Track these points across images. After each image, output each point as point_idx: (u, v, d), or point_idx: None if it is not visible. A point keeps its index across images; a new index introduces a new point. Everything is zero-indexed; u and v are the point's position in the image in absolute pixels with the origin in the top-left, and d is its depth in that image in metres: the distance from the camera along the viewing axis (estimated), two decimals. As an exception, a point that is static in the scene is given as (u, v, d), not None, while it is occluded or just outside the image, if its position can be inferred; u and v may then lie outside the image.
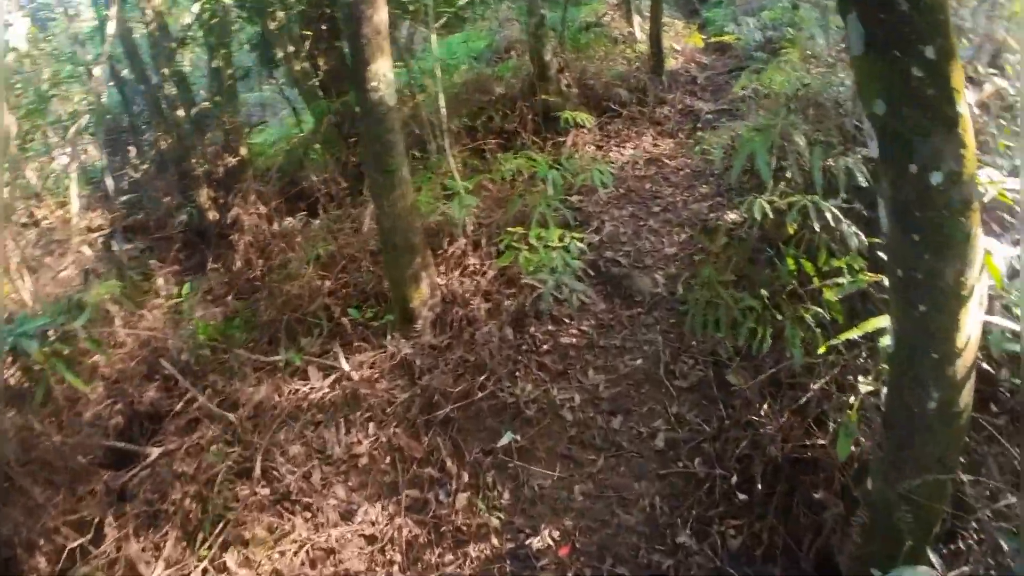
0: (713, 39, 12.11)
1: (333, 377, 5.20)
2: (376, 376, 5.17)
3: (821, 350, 3.68)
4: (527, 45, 8.71)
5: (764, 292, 4.33)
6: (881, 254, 4.54)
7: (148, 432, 5.27)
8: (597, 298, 5.52)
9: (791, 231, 4.37)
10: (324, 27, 8.25)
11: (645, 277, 5.64)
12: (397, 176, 5.06)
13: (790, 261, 4.40)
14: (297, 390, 5.17)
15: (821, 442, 3.68)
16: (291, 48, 7.97)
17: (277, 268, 6.75)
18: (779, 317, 4.26)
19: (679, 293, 5.46)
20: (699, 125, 8.71)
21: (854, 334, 3.17)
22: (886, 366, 2.96)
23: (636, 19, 11.67)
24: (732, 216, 6.15)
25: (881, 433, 2.78)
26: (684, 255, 5.86)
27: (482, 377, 4.77)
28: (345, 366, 5.12)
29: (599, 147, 8.19)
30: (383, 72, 4.84)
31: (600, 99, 8.85)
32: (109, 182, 9.22)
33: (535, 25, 8.33)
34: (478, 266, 5.78)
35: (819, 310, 4.12)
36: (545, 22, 8.39)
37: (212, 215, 8.33)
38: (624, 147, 8.18)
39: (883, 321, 2.95)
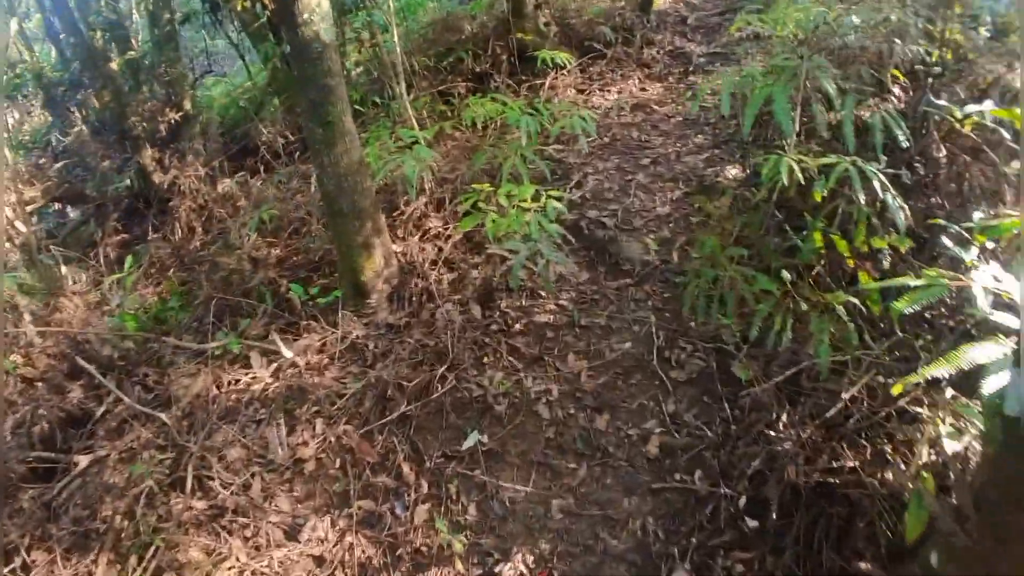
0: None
1: (276, 365, 4.35)
2: (325, 363, 4.32)
3: (896, 390, 2.74)
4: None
5: (785, 274, 3.44)
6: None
7: (79, 436, 4.41)
8: (578, 267, 4.64)
9: (818, 199, 3.49)
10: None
11: (634, 242, 4.76)
12: (338, 128, 4.12)
13: (817, 237, 3.53)
14: (237, 381, 4.32)
15: (852, 464, 2.87)
16: (233, -17, 6.90)
17: (218, 237, 5.84)
18: (803, 306, 3.40)
19: (674, 262, 4.59)
20: (691, 69, 7.73)
21: (940, 369, 2.07)
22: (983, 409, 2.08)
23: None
24: (734, 172, 5.26)
25: (968, 506, 1.95)
26: (679, 216, 4.96)
27: (443, 367, 3.92)
28: (287, 353, 4.26)
29: (580, 91, 7.22)
30: (317, 1, 3.87)
31: (582, 39, 7.82)
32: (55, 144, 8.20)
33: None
34: (440, 229, 4.88)
35: (853, 300, 3.29)
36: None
37: (157, 177, 7.31)
38: (608, 91, 7.21)
39: (990, 350, 1.96)
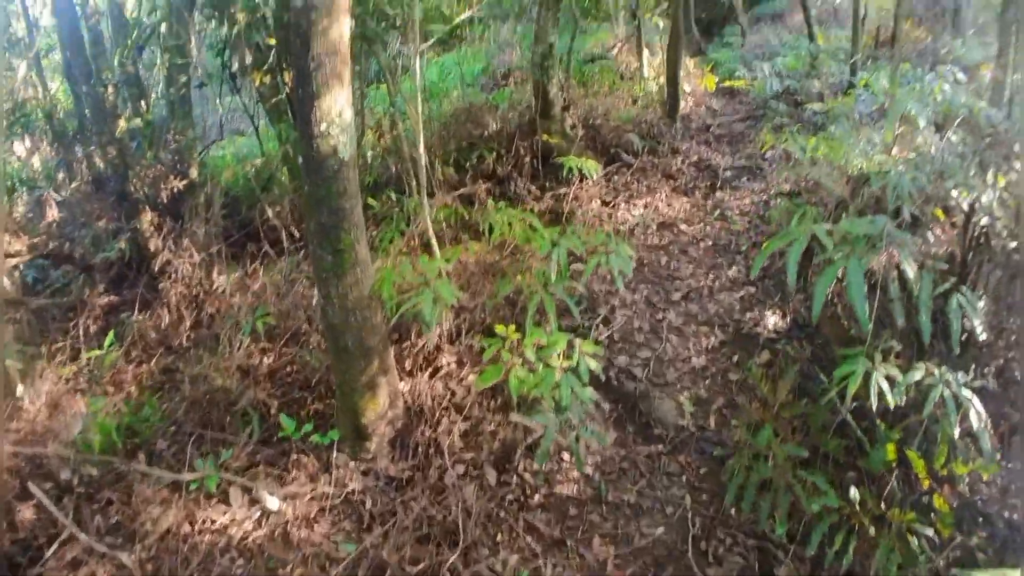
0: (724, 83, 10.78)
1: (260, 508, 3.73)
2: (314, 513, 3.70)
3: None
4: (529, 75, 7.27)
5: (855, 492, 2.90)
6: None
7: (33, 561, 3.74)
8: (605, 426, 4.07)
9: (892, 404, 2.96)
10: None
11: (667, 400, 4.20)
12: (350, 257, 3.59)
13: (890, 449, 3.00)
14: (213, 521, 3.69)
15: None
16: (253, 57, 6.43)
17: (207, 335, 5.26)
18: (870, 528, 2.84)
19: (711, 428, 4.04)
20: (717, 184, 7.32)
21: None
22: None
23: (645, 54, 10.29)
24: (773, 319, 4.75)
25: None
26: (716, 371, 4.43)
27: (454, 553, 3.30)
28: (271, 505, 3.64)
29: (605, 203, 6.77)
30: (338, 111, 3.37)
31: (607, 145, 7.43)
32: (52, 196, 7.62)
33: (541, 55, 6.89)
34: (455, 366, 4.32)
35: (924, 528, 2.75)
36: (553, 51, 6.96)
37: (153, 245, 6.73)
38: (634, 205, 6.77)
39: None
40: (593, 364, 3.65)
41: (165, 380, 5.10)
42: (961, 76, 9.31)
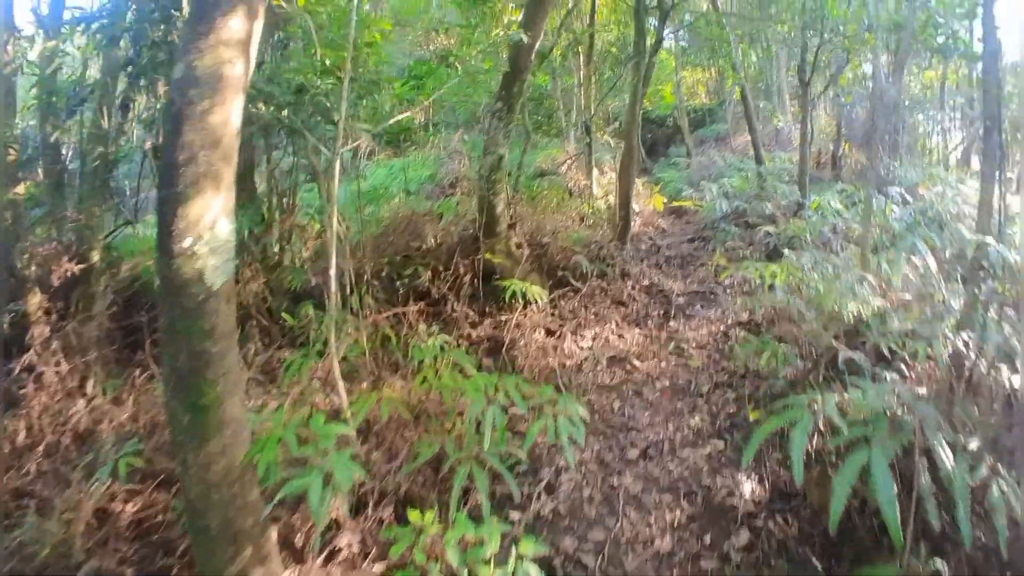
0: (673, 203, 10.37)
1: None
2: None
3: None
4: (475, 187, 6.56)
5: None
6: None
7: None
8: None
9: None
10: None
11: (627, 604, 3.23)
12: (215, 416, 2.62)
13: None
14: None
15: None
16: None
17: (58, 472, 4.12)
18: None
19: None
20: (671, 312, 6.61)
21: None
22: None
23: (595, 172, 9.84)
24: (750, 487, 3.88)
25: None
26: (684, 555, 3.48)
27: None
28: None
29: (550, 332, 5.94)
30: (210, 222, 2.49)
31: (555, 266, 6.69)
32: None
33: (489, 167, 6.21)
34: (356, 552, 3.28)
35: None
36: (503, 165, 6.28)
37: (39, 331, 5.55)
38: (582, 335, 5.96)
39: None
40: (534, 572, 2.69)
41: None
42: (908, 197, 9.08)
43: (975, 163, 14.16)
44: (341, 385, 3.63)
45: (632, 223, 8.65)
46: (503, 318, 5.78)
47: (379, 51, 5.66)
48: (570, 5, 9.46)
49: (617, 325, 6.18)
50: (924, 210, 8.60)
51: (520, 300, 5.70)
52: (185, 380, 2.59)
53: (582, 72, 10.45)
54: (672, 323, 6.43)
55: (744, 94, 10.75)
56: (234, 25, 2.52)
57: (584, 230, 7.42)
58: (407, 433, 3.77)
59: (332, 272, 3.62)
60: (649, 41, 8.03)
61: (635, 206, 9.83)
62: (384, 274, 6.20)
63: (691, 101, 17.43)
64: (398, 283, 5.98)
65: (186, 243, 2.43)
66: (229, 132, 2.51)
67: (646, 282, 7.09)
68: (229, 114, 2.50)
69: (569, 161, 10.35)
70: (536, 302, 5.75)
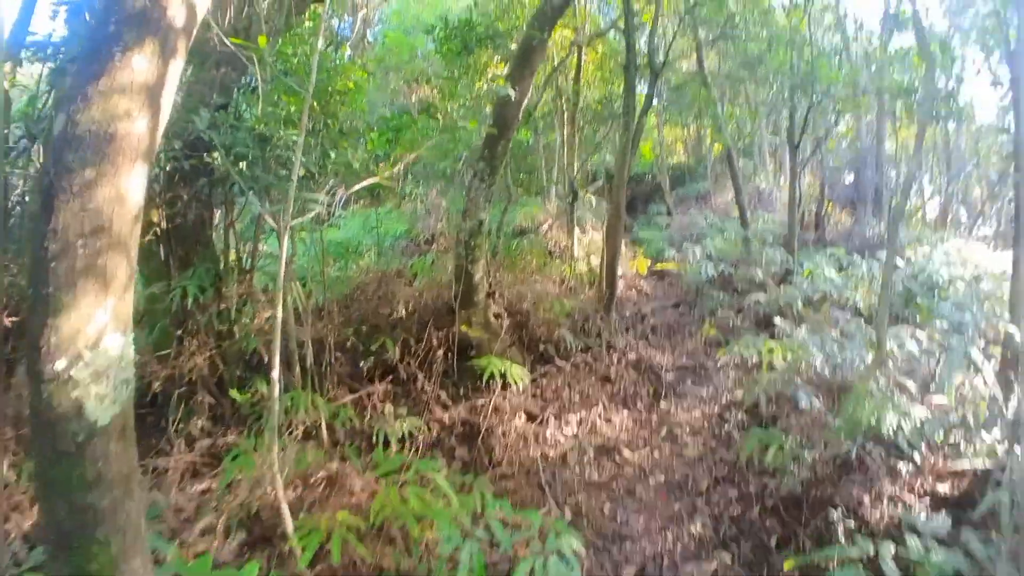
0: (657, 266, 9.86)
1: None
2: None
3: None
4: (454, 250, 5.95)
5: None
6: None
7: None
8: None
9: None
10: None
11: None
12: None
13: None
14: None
15: None
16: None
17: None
18: None
19: None
20: (661, 391, 6.00)
21: None
22: None
23: (576, 232, 9.31)
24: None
25: None
26: None
27: None
28: None
29: (532, 417, 5.28)
30: (93, 337, 1.84)
31: (536, 340, 6.06)
32: None
33: (469, 232, 5.62)
34: None
35: None
36: (483, 229, 5.70)
37: None
38: (567, 420, 5.31)
39: None
40: None
41: None
42: (899, 262, 8.65)
43: (954, 219, 14.05)
44: (285, 509, 2.93)
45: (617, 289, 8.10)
46: (480, 401, 5.13)
47: (355, 100, 5.11)
48: (556, 62, 9.04)
49: (604, 407, 5.55)
50: (915, 275, 8.20)
51: (500, 381, 5.07)
52: (67, 540, 1.91)
53: (566, 129, 10.01)
54: (663, 403, 5.82)
55: (729, 154, 10.36)
56: (138, 66, 1.89)
57: (567, 297, 6.81)
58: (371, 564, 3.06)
59: (275, 373, 2.93)
60: (638, 100, 7.60)
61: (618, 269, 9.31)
62: (349, 345, 5.53)
63: (670, 159, 17.15)
64: (362, 360, 5.32)
65: (59, 365, 1.78)
66: (123, 213, 1.87)
67: (633, 356, 6.48)
68: (123, 188, 1.86)
69: (550, 220, 9.83)
70: (516, 384, 5.11)
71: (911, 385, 3.76)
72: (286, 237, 3.12)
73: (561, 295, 7.90)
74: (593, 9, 10.11)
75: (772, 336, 6.78)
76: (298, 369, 5.03)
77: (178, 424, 4.79)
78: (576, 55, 9.43)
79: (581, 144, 10.35)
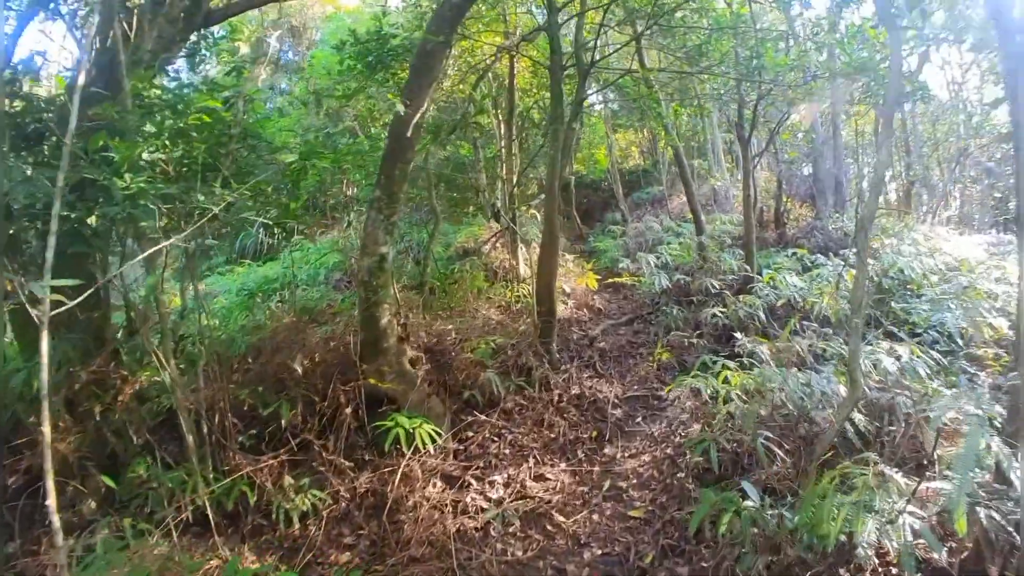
0: (609, 279, 9.10)
1: None
2: None
3: None
4: (359, 291, 5.13)
5: None
6: None
7: None
8: None
9: None
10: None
11: None
12: None
13: None
14: None
15: None
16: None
17: None
18: None
19: None
20: (606, 433, 5.22)
21: None
22: None
23: (521, 250, 8.52)
24: None
25: None
26: None
27: None
28: None
29: (450, 480, 4.48)
30: None
31: (460, 385, 5.25)
32: None
33: (368, 270, 4.81)
34: None
35: None
36: (385, 266, 4.88)
37: None
38: (491, 481, 4.51)
39: None
40: None
41: None
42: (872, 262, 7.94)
43: (915, 203, 13.40)
44: None
45: (561, 305, 7.33)
46: (388, 468, 4.32)
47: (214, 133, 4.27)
48: (483, 68, 8.26)
49: (537, 460, 4.76)
50: (886, 270, 7.49)
51: (406, 445, 4.27)
52: None
53: (503, 141, 9.24)
54: (608, 448, 5.05)
55: (677, 155, 9.65)
56: None
57: (509, 324, 5.97)
58: None
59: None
60: (568, 105, 6.83)
61: (566, 287, 8.53)
62: (247, 408, 4.70)
63: (625, 163, 16.43)
64: (260, 425, 4.50)
65: None
66: None
67: (576, 391, 5.70)
68: None
69: (494, 239, 9.03)
70: (429, 445, 4.31)
71: (898, 478, 2.96)
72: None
73: (504, 323, 7.13)
74: (524, 12, 9.33)
75: (732, 355, 6.06)
76: (191, 439, 4.22)
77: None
78: (508, 61, 8.68)
79: (520, 155, 9.59)
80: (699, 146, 13.94)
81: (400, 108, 4.27)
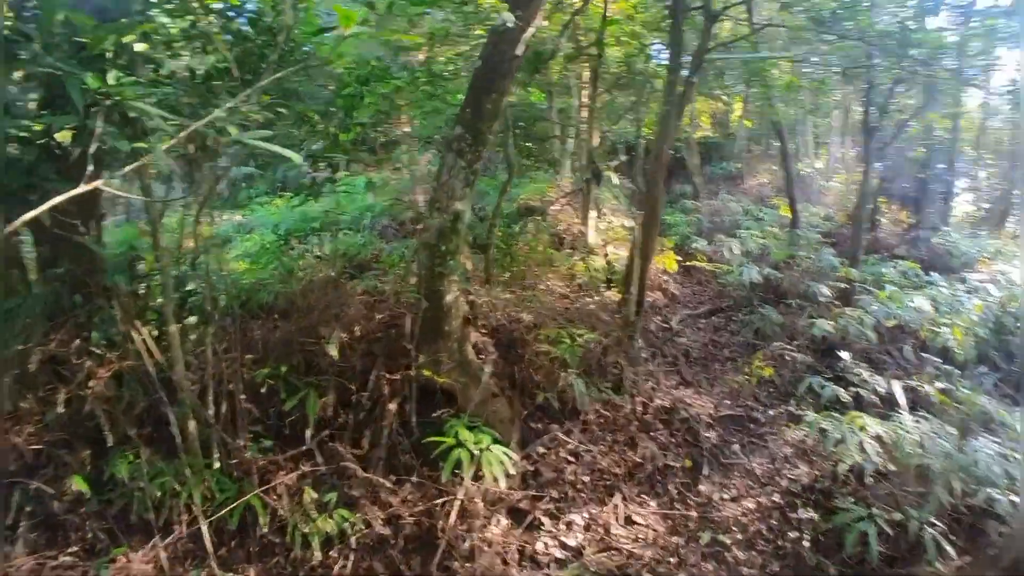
0: (686, 261, 7.86)
1: None
2: None
3: None
4: (417, 256, 3.95)
5: None
6: None
7: None
8: None
9: None
10: None
11: None
12: None
13: None
14: None
15: None
16: None
17: None
18: None
19: None
20: (702, 468, 4.09)
21: None
22: None
23: (592, 215, 7.27)
24: None
25: None
26: None
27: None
28: None
29: (517, 518, 3.39)
30: None
31: (534, 385, 4.11)
32: None
33: (438, 231, 3.64)
34: None
35: None
36: (460, 224, 3.69)
37: None
38: (567, 521, 3.42)
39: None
40: None
41: None
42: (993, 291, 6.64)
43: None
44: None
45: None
46: (443, 490, 3.24)
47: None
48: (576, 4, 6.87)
49: (624, 495, 3.65)
50: (1004, 304, 6.18)
51: (467, 467, 3.17)
52: None
53: (586, 92, 7.91)
54: (703, 485, 3.93)
55: (780, 132, 8.26)
56: None
57: (580, 322, 4.75)
58: None
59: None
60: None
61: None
62: (265, 390, 3.63)
63: (696, 133, 14.84)
64: (281, 414, 3.43)
65: None
66: None
67: (663, 402, 4.55)
68: None
69: (562, 200, 7.80)
70: (498, 476, 3.21)
71: None
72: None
73: (570, 299, 5.97)
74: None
75: (837, 378, 4.89)
76: (190, 427, 3.18)
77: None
78: (603, -1, 7.28)
79: (602, 111, 8.25)
80: (791, 125, 12.35)
81: (508, 18, 3.05)
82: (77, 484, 3.01)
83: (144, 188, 3.02)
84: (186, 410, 3.18)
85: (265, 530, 3.17)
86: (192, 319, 3.59)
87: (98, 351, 3.08)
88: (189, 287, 3.61)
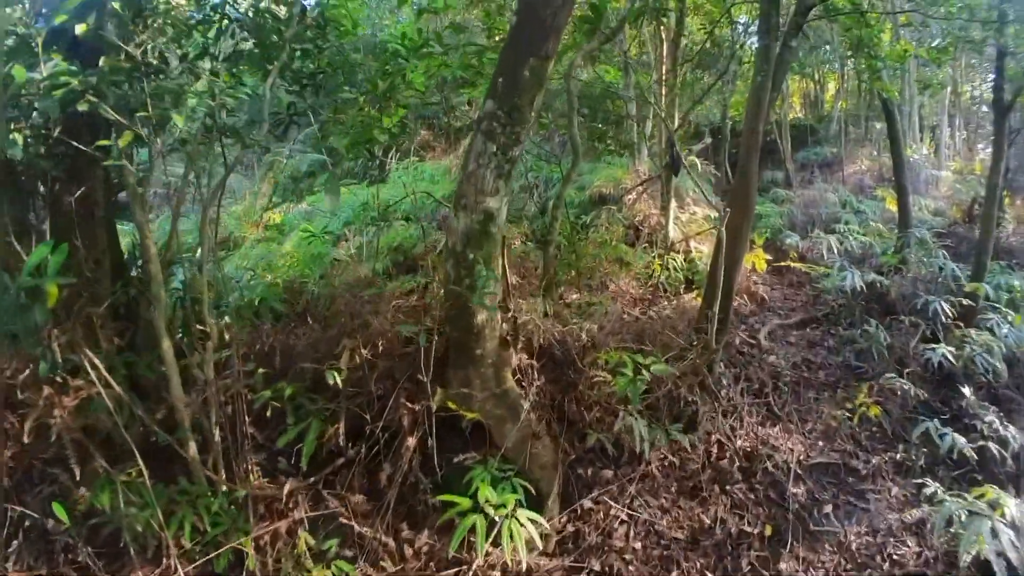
0: (770, 254, 6.82)
1: None
2: None
3: None
4: (443, 265, 3.23)
5: None
6: None
7: None
8: None
9: None
10: None
11: None
12: None
13: None
14: None
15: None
16: None
17: None
18: None
19: None
20: (786, 525, 3.24)
21: None
22: None
23: (672, 206, 6.36)
24: None
25: None
26: None
27: None
28: None
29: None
30: None
31: (582, 421, 3.36)
32: None
33: (467, 231, 2.93)
34: None
35: None
36: (493, 226, 2.96)
37: None
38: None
39: None
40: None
41: None
42: None
43: None
44: None
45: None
46: (459, 554, 2.58)
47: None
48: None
49: (683, 572, 2.87)
50: None
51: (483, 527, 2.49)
52: None
53: (664, 67, 6.96)
54: (784, 563, 3.08)
55: (889, 113, 7.02)
56: None
57: (649, 341, 3.90)
58: None
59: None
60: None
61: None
62: (270, 415, 3.05)
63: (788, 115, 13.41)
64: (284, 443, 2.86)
65: None
66: None
67: (743, 442, 3.71)
68: None
69: (639, 188, 6.91)
70: (522, 551, 2.50)
71: None
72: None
73: (643, 305, 5.17)
74: None
75: (954, 418, 3.97)
76: (191, 449, 2.67)
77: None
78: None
79: (683, 90, 7.27)
80: (899, 104, 10.91)
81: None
82: (58, 511, 2.54)
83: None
84: (183, 435, 2.67)
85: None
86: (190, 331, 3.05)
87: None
88: (186, 295, 3.05)
